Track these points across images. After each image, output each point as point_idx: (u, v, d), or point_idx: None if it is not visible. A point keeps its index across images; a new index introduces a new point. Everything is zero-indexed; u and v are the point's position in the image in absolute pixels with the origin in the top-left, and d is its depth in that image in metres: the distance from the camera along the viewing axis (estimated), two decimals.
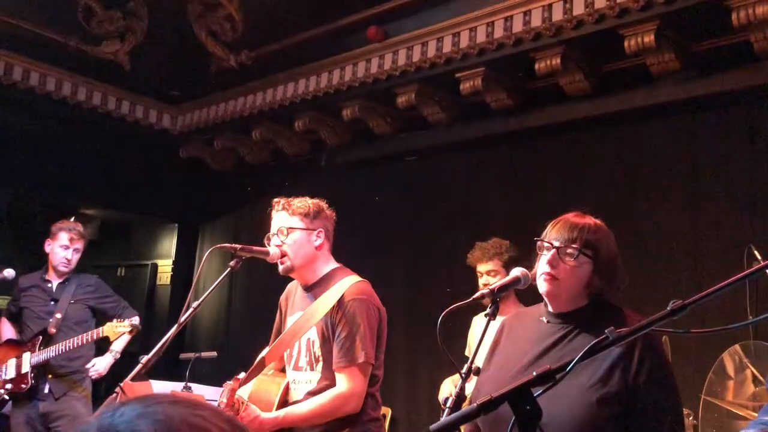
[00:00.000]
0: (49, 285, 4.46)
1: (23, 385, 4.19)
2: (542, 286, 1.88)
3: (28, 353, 4.25)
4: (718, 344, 3.58)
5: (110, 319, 4.29)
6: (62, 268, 4.43)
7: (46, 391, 4.25)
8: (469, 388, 2.12)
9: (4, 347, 4.40)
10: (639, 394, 1.70)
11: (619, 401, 1.70)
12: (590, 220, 1.92)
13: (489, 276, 3.57)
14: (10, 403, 4.32)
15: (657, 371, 1.73)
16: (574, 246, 1.84)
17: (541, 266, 1.88)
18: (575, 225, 1.88)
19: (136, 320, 4.45)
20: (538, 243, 1.92)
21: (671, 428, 1.71)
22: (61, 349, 4.17)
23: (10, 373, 4.24)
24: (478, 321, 3.85)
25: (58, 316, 4.32)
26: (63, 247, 4.39)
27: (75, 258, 4.45)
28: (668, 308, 1.22)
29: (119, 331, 4.07)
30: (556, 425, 1.66)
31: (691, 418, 3.23)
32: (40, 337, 4.28)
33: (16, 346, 4.36)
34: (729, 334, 3.50)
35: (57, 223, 4.46)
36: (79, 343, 4.14)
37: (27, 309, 4.43)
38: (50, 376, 4.27)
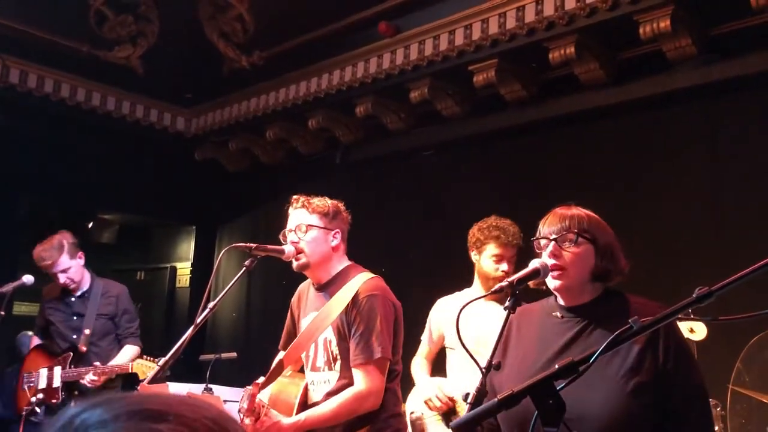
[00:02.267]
0: (72, 299, 4.38)
1: (54, 400, 4.12)
2: (552, 282, 1.86)
3: (59, 368, 4.17)
4: (745, 332, 3.51)
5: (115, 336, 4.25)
6: (70, 288, 4.36)
7: (72, 404, 4.22)
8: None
9: (34, 354, 4.37)
10: (669, 380, 1.70)
11: (653, 389, 1.69)
12: (578, 210, 1.93)
13: (509, 264, 3.28)
14: (42, 411, 4.24)
15: (681, 355, 1.74)
16: (573, 231, 1.84)
17: (546, 261, 1.86)
18: (565, 215, 1.90)
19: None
20: (535, 242, 1.92)
21: (702, 410, 1.74)
22: (91, 373, 4.05)
23: (42, 383, 4.18)
24: (445, 303, 3.65)
25: (87, 332, 4.25)
26: (52, 275, 4.28)
27: (68, 276, 4.28)
28: (694, 295, 1.19)
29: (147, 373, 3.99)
30: (591, 418, 1.67)
31: (719, 409, 3.16)
32: (71, 354, 4.21)
33: (48, 357, 4.30)
34: (756, 322, 3.43)
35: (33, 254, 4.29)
36: (108, 372, 4.03)
37: (52, 323, 4.38)
38: (76, 393, 4.17)
